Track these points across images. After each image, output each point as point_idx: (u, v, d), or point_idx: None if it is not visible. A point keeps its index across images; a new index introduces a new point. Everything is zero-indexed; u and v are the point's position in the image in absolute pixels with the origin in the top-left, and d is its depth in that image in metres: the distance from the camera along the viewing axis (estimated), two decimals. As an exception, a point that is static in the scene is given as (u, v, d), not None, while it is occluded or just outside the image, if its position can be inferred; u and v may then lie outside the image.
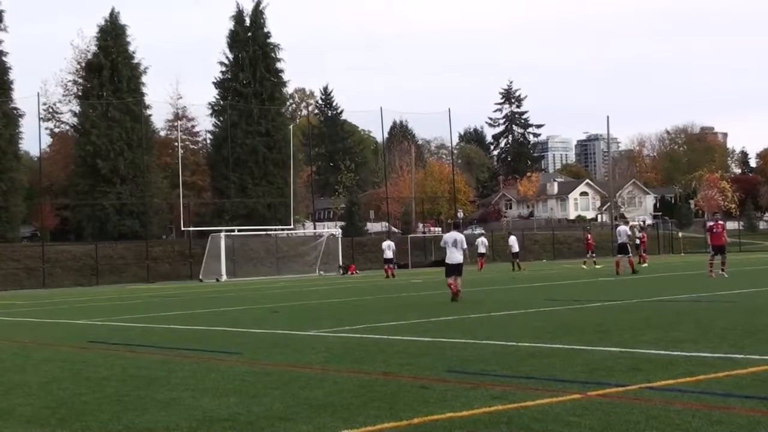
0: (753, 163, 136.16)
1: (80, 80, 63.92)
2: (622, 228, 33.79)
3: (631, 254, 32.37)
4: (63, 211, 64.04)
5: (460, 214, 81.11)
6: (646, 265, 39.52)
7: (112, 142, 58.55)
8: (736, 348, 9.60)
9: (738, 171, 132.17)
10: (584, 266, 40.25)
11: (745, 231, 79.78)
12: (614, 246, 33.82)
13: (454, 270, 19.91)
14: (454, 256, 19.97)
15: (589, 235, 42.50)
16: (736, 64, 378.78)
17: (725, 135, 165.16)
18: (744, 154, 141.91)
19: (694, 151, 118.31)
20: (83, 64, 63.52)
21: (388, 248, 43.27)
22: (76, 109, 63.68)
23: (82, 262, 52.37)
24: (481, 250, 45.64)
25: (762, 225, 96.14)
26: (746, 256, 49.89)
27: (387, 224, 68.81)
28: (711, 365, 8.39)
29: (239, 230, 53.07)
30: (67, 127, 68.40)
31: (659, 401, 6.70)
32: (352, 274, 50.02)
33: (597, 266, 39.36)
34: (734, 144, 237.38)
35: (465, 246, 20.36)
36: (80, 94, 63.02)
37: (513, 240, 44.77)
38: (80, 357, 11.81)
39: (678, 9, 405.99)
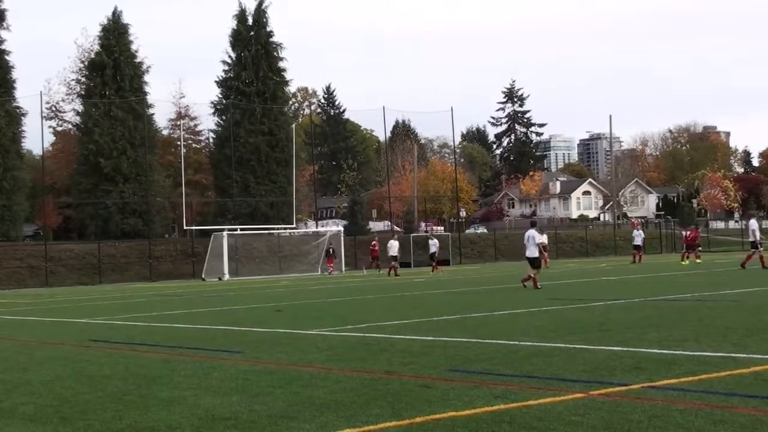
0: (756, 162, 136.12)
1: (83, 79, 63.97)
2: (753, 222, 31.79)
3: (761, 249, 29.92)
4: (66, 209, 64.11)
5: (463, 213, 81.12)
6: (699, 261, 38.78)
7: (114, 141, 58.63)
8: (739, 347, 9.58)
9: (741, 170, 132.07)
10: (683, 262, 39.43)
11: (746, 230, 79.60)
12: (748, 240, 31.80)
13: (529, 262, 23.24)
14: (528, 251, 23.26)
15: (691, 233, 40.82)
16: (738, 63, 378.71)
17: (728, 134, 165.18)
18: (747, 154, 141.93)
19: (696, 150, 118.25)
20: (86, 63, 63.57)
21: (392, 247, 43.76)
22: (79, 107, 63.83)
23: (85, 261, 52.40)
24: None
25: (764, 224, 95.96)
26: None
27: (389, 223, 68.76)
28: (713, 364, 8.37)
29: (242, 229, 53.10)
30: (70, 126, 68.54)
31: (662, 400, 6.69)
32: (330, 266, 50.25)
33: (698, 261, 38.42)
34: (737, 143, 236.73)
35: (537, 242, 23.49)
36: (83, 92, 63.07)
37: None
38: (83, 355, 11.81)
39: (679, 8, 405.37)
